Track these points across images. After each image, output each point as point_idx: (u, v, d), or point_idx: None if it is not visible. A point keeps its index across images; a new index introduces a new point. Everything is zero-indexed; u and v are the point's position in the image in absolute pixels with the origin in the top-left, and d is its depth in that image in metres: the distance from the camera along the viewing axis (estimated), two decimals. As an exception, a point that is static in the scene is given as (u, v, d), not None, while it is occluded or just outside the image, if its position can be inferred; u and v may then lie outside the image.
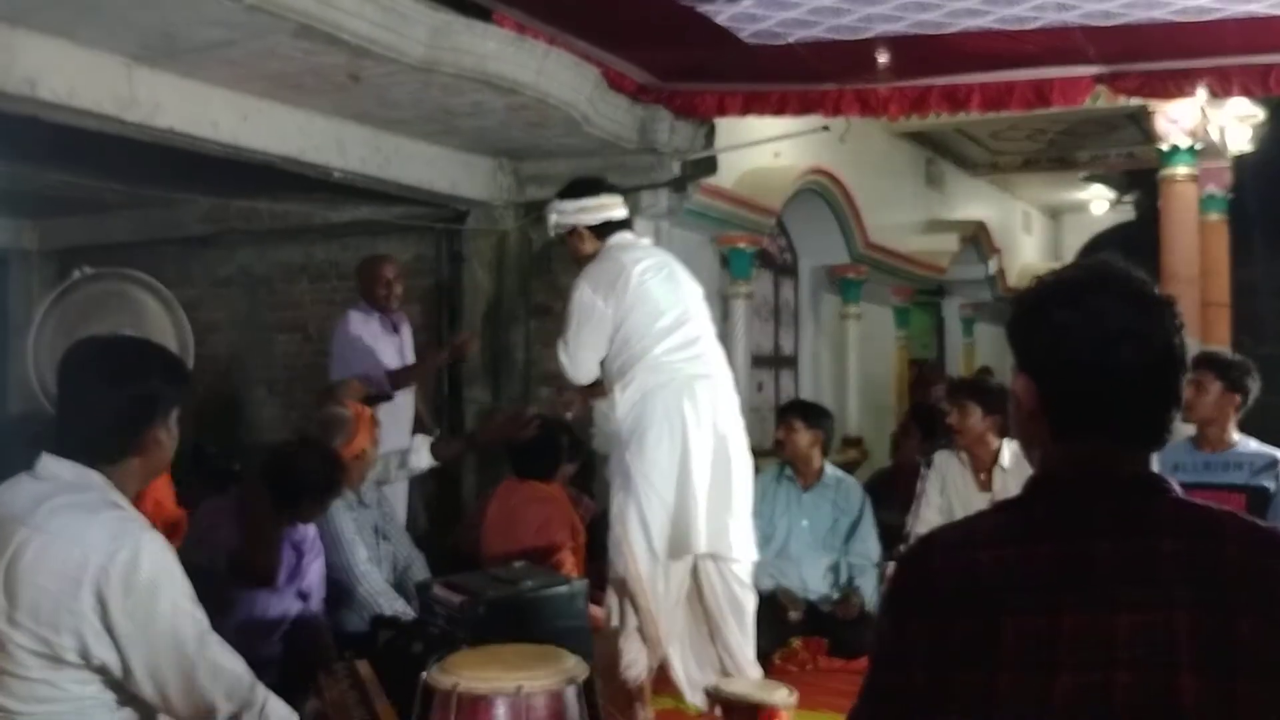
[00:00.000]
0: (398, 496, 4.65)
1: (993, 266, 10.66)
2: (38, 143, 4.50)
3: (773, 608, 4.44)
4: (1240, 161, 8.46)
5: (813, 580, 4.71)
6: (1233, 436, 3.94)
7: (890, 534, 4.76)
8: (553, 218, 3.76)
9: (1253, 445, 3.93)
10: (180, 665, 1.88)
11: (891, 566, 3.75)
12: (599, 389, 3.67)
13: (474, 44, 4.23)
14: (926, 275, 9.68)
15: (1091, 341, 1.28)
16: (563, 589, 3.02)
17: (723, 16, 4.23)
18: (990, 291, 11.01)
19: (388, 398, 4.65)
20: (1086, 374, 1.29)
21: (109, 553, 1.83)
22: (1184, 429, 3.92)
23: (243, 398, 7.03)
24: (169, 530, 2.92)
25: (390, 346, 5.05)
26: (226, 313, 7.19)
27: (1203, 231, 7.34)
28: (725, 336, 6.63)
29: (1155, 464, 1.35)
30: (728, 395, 3.63)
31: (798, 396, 7.84)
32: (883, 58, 4.65)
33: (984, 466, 4.33)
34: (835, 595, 4.66)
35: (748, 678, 3.48)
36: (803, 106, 5.22)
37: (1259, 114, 7.93)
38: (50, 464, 1.96)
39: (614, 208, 3.74)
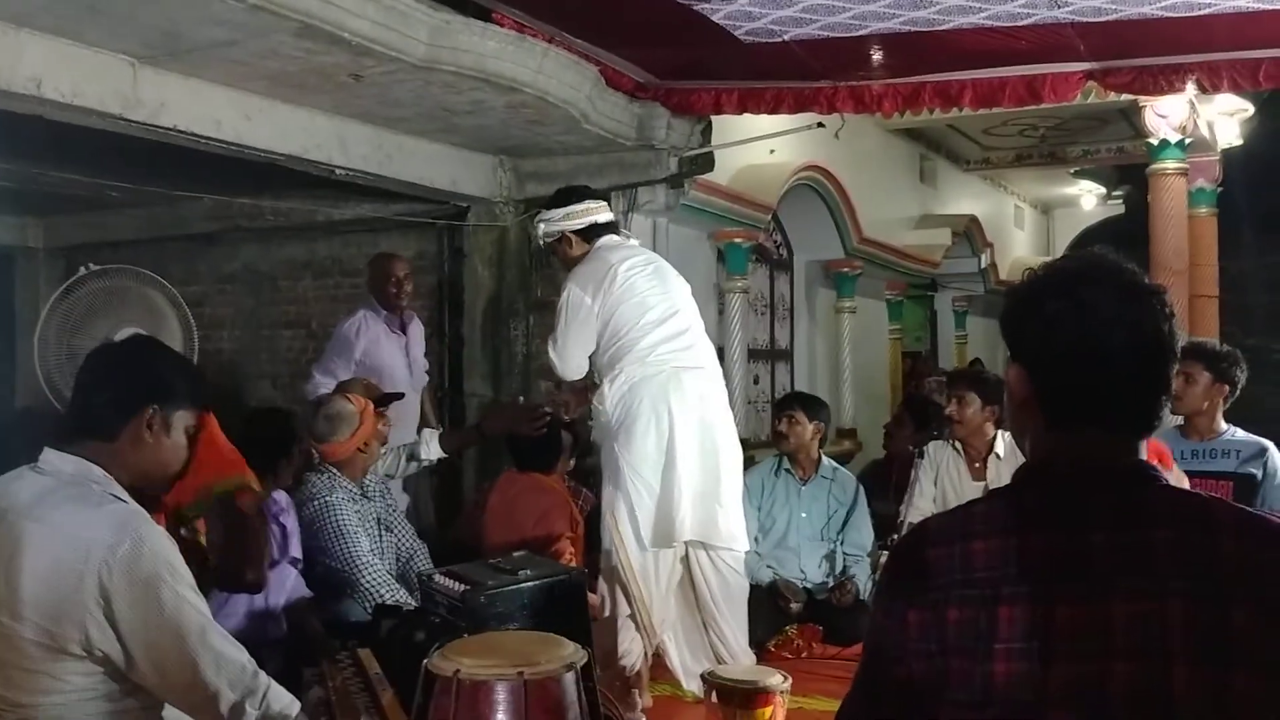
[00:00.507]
0: (401, 489, 4.69)
1: (985, 260, 10.74)
2: (43, 141, 4.52)
3: (774, 598, 4.51)
4: (1229, 155, 8.52)
5: (811, 571, 4.75)
6: (1220, 425, 3.98)
7: (884, 523, 4.82)
8: (540, 227, 3.83)
9: (1240, 434, 3.98)
10: (183, 655, 1.88)
11: (885, 555, 3.83)
12: (596, 390, 3.71)
13: (474, 43, 4.26)
14: (920, 269, 9.73)
15: (1083, 331, 1.29)
16: (562, 578, 3.06)
17: (719, 15, 4.27)
18: (982, 285, 11.09)
19: (399, 397, 4.71)
20: (1079, 363, 1.30)
21: (111, 545, 1.84)
22: (1171, 419, 3.97)
23: (247, 393, 7.05)
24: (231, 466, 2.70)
25: (394, 346, 5.08)
26: (231, 309, 7.24)
27: (1192, 225, 7.37)
28: (721, 330, 6.74)
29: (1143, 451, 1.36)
30: (717, 387, 3.67)
31: (793, 389, 7.91)
32: (877, 55, 4.70)
33: (979, 456, 4.40)
34: (830, 584, 4.70)
35: (741, 665, 3.52)
36: (798, 104, 5.24)
37: (1248, 108, 7.98)
38: (52, 457, 1.98)
39: (598, 212, 3.80)
